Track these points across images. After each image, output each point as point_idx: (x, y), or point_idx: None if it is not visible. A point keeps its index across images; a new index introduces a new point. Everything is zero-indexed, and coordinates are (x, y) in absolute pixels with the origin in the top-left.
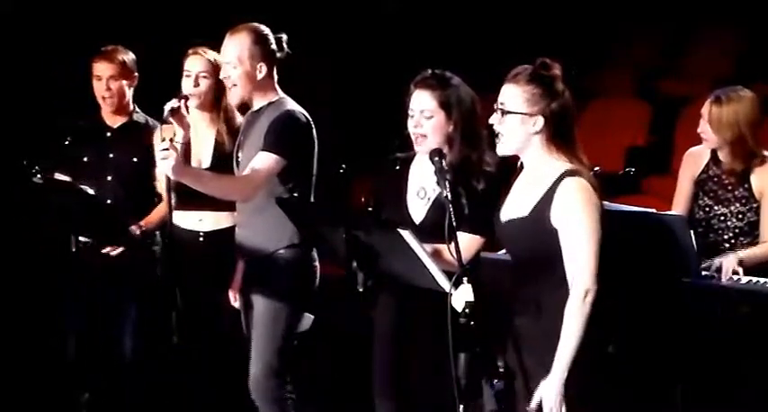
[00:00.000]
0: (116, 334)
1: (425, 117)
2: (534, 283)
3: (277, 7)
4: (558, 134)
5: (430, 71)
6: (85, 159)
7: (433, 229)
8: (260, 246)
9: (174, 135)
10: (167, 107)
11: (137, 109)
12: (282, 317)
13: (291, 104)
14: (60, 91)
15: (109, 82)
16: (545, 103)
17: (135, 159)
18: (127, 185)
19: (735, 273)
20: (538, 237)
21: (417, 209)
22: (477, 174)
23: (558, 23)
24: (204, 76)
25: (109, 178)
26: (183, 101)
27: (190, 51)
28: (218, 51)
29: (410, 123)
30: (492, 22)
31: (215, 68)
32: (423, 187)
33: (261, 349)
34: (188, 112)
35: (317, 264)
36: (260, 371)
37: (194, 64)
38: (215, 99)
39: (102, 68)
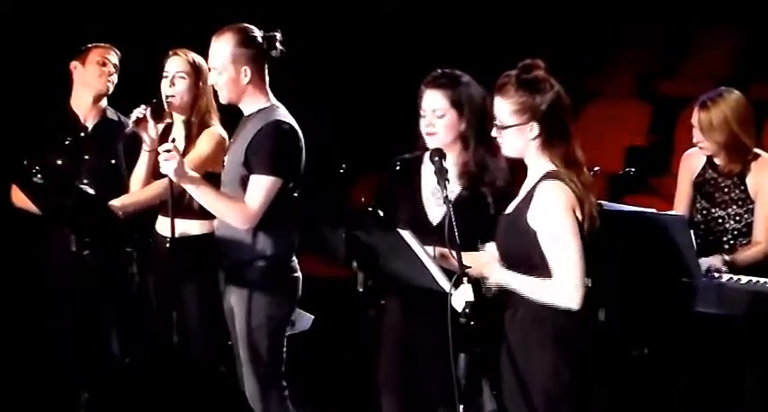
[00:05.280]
0: (103, 334)
1: (437, 116)
2: None
3: (277, 7)
4: (554, 133)
5: (440, 71)
6: (59, 162)
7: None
8: (236, 254)
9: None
10: (133, 116)
11: (110, 109)
12: (263, 333)
13: (279, 113)
14: (60, 91)
15: (116, 68)
16: (535, 108)
17: (113, 161)
18: (100, 189)
19: (717, 270)
20: (515, 236)
21: (434, 209)
22: (496, 172)
23: (558, 24)
24: (181, 77)
25: (85, 181)
26: (148, 109)
27: (170, 52)
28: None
29: (422, 123)
30: (492, 23)
31: (194, 70)
32: (437, 186)
33: (249, 366)
34: (155, 120)
35: (297, 274)
36: (254, 387)
37: (172, 65)
38: (193, 101)
39: (109, 54)
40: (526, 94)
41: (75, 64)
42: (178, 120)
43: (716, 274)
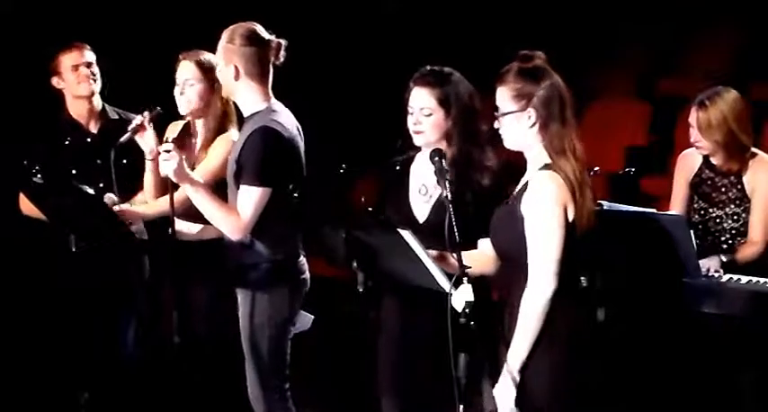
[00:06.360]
0: (118, 334)
1: (424, 114)
2: (510, 276)
3: (277, 7)
4: (551, 121)
5: (428, 68)
6: (74, 171)
7: (438, 229)
8: (241, 255)
9: (180, 134)
10: (132, 124)
11: (107, 106)
12: (266, 334)
13: (273, 117)
14: (60, 92)
15: (90, 67)
16: (532, 95)
17: (124, 161)
18: (118, 191)
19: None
20: (510, 227)
21: (420, 208)
22: (481, 170)
23: (557, 23)
24: (191, 84)
25: (101, 185)
26: (146, 116)
27: (179, 57)
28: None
29: (409, 120)
30: (492, 22)
31: (204, 73)
32: (424, 184)
33: (252, 366)
34: (153, 126)
35: (305, 275)
36: (256, 388)
37: (181, 71)
38: (205, 106)
39: (77, 56)
40: (524, 81)
41: (55, 80)
42: (197, 121)
43: (715, 275)
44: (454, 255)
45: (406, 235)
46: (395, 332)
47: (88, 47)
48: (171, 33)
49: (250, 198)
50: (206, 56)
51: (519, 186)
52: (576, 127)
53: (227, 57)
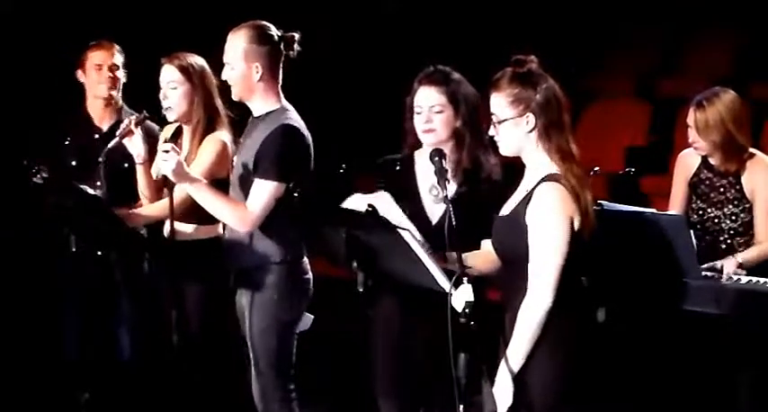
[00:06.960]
0: (113, 333)
1: (435, 112)
2: (513, 282)
3: (277, 7)
4: (550, 125)
5: (432, 67)
6: (73, 163)
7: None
8: (245, 256)
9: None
10: (120, 129)
11: (125, 107)
12: (271, 335)
13: (289, 116)
14: (60, 91)
15: (113, 70)
16: (529, 99)
17: (126, 165)
18: (118, 192)
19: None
20: (515, 236)
21: (432, 208)
22: (490, 168)
23: (557, 24)
24: (173, 88)
25: (98, 184)
26: (133, 120)
27: (161, 61)
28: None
29: (418, 120)
30: (491, 23)
31: (187, 76)
32: (434, 185)
33: (256, 367)
34: (142, 131)
35: (308, 276)
36: (259, 389)
37: (163, 75)
38: (189, 107)
39: (104, 56)
40: (520, 86)
41: (79, 73)
42: (184, 126)
43: (716, 275)
44: (454, 254)
45: (406, 235)
46: (395, 332)
47: (118, 48)
48: (169, 34)
49: (264, 191)
50: (189, 59)
51: (522, 194)
52: (571, 127)
53: (247, 58)
